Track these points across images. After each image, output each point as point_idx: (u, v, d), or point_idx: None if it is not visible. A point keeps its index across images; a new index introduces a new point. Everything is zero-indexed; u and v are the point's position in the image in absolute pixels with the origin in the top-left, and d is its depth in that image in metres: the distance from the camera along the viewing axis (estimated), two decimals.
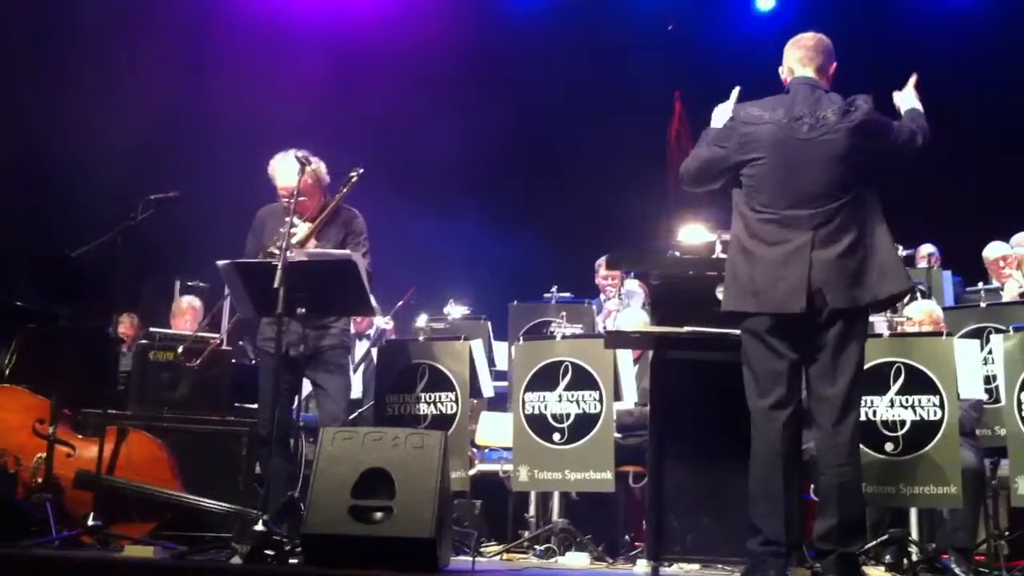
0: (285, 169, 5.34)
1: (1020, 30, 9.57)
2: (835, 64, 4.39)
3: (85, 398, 5.54)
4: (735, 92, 4.49)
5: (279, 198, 5.46)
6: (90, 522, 4.76)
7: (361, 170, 5.33)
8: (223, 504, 5.21)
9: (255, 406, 6.01)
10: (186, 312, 7.46)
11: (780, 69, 4.43)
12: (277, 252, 4.92)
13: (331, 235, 5.40)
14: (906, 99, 4.49)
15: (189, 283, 8.15)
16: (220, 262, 4.98)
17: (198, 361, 5.47)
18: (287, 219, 5.11)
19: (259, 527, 4.38)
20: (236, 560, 4.38)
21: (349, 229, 5.46)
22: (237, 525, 5.03)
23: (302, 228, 5.26)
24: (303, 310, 4.89)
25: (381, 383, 6.11)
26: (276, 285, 4.66)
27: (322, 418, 5.38)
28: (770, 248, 4.14)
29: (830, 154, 4.13)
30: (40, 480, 5.03)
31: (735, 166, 4.26)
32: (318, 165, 5.43)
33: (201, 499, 5.24)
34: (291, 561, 4.31)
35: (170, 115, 9.04)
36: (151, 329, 6.34)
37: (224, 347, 6.16)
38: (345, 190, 5.35)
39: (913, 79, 4.54)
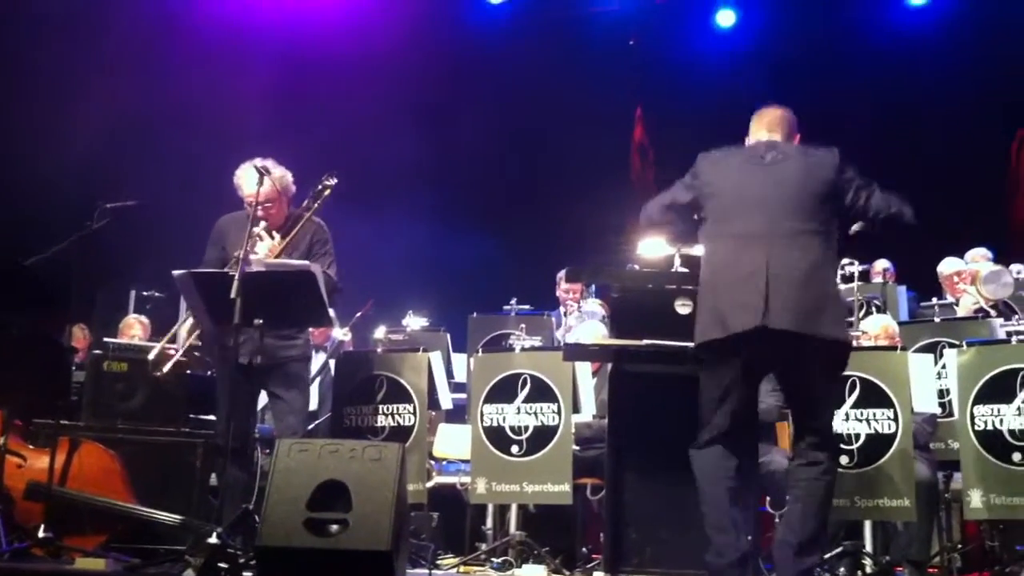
0: (251, 178, 5.27)
1: (976, 48, 9.74)
2: (799, 136, 4.44)
3: (37, 408, 5.46)
4: None
5: (245, 207, 5.39)
6: (41, 534, 4.69)
7: (334, 180, 5.29)
8: (176, 516, 5.15)
9: (211, 417, 5.95)
10: (133, 326, 7.39)
11: (746, 140, 4.47)
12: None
13: (297, 246, 5.36)
14: None
15: (144, 293, 8.08)
16: (176, 272, 4.93)
17: (164, 369, 5.39)
18: (251, 228, 5.09)
19: (213, 540, 4.33)
20: (189, 573, 4.33)
21: (315, 239, 5.42)
22: (191, 538, 4.98)
23: (268, 243, 5.21)
24: (260, 321, 4.85)
25: (338, 394, 6.07)
26: (233, 295, 4.62)
27: (280, 431, 5.32)
28: (730, 272, 4.17)
29: (791, 177, 4.18)
30: None
31: (700, 202, 4.34)
32: (284, 174, 5.38)
33: (154, 511, 5.18)
34: (245, 574, 4.27)
35: (128, 123, 8.96)
36: (105, 339, 6.26)
37: (180, 357, 6.09)
38: (318, 203, 5.30)
39: None
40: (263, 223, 5.27)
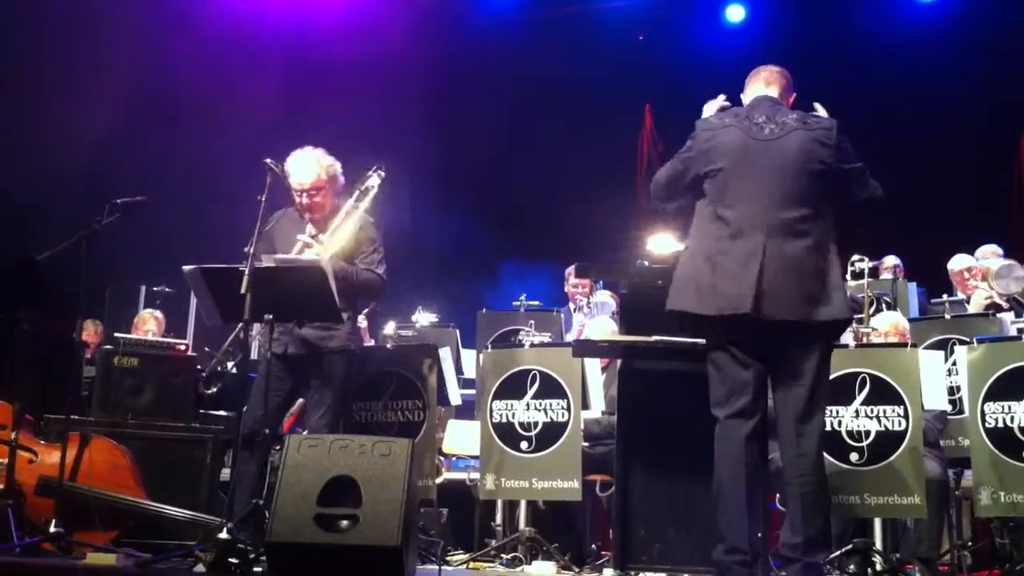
0: (301, 166, 5.27)
1: (985, 45, 9.72)
2: (795, 95, 4.43)
3: (48, 404, 5.48)
4: (721, 97, 4.56)
5: (293, 198, 5.36)
6: (52, 529, 4.70)
7: (382, 175, 5.27)
8: (186, 511, 5.16)
9: (221, 413, 5.97)
10: (148, 321, 7.40)
11: (742, 96, 4.46)
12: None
13: (344, 250, 5.29)
14: None
15: (155, 288, 8.10)
16: (186, 267, 4.93)
17: (217, 387, 5.42)
18: (304, 221, 5.21)
19: (223, 535, 4.34)
20: (200, 568, 4.34)
21: (362, 238, 5.35)
22: (201, 533, 4.99)
23: (317, 249, 5.19)
24: (270, 316, 4.86)
25: (349, 391, 6.07)
26: (243, 291, 4.63)
27: (311, 428, 5.31)
28: (728, 252, 4.15)
29: (790, 157, 4.16)
30: (1, 486, 4.96)
31: (701, 176, 4.29)
32: (332, 163, 5.37)
33: (164, 506, 5.19)
34: (255, 570, 4.28)
35: (136, 120, 8.98)
36: (116, 335, 6.28)
37: (189, 353, 6.12)
38: (365, 203, 5.28)
39: None
40: (310, 227, 5.27)
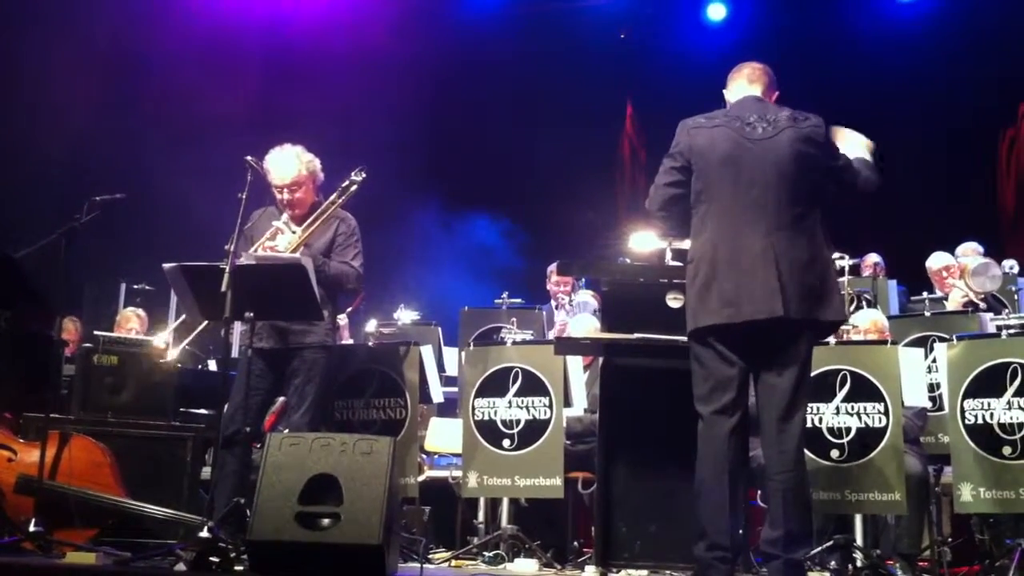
0: (281, 162, 5.30)
1: (965, 44, 9.77)
2: (778, 93, 4.43)
3: (27, 402, 5.44)
4: None
5: (273, 195, 5.39)
6: (31, 528, 4.67)
7: (363, 176, 5.29)
8: (167, 510, 5.14)
9: (201, 411, 5.94)
10: (130, 319, 7.36)
11: (724, 92, 4.45)
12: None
13: (318, 239, 5.34)
14: (854, 146, 4.50)
15: (135, 286, 8.06)
16: (166, 265, 4.92)
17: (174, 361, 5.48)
18: (280, 215, 5.21)
19: (204, 533, 4.32)
20: (180, 567, 4.32)
21: (339, 231, 5.41)
22: (182, 531, 4.97)
23: (288, 236, 5.20)
24: (251, 314, 4.84)
25: (329, 388, 6.05)
26: (223, 289, 4.61)
27: (285, 427, 5.30)
28: (736, 256, 4.13)
29: (785, 155, 4.14)
30: None
31: (692, 176, 4.28)
32: (312, 159, 5.41)
33: (144, 505, 5.17)
34: (236, 568, 4.26)
35: (116, 116, 8.93)
36: (96, 333, 6.24)
37: (169, 350, 6.08)
38: (343, 198, 5.30)
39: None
40: (286, 214, 5.30)
